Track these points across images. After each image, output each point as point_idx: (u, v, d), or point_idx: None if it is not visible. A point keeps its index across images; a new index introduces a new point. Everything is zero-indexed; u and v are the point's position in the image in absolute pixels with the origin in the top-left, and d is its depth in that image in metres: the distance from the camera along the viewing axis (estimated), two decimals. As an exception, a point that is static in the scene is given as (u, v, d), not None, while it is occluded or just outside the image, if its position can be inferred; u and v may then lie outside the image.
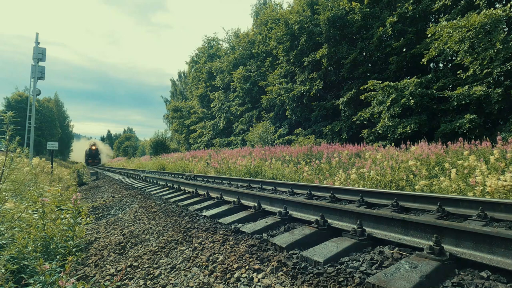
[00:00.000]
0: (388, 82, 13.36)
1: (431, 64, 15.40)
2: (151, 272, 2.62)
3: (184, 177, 11.19)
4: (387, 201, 3.84)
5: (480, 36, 10.50)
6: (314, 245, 2.30)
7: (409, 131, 12.24)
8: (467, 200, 3.23)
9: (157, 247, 3.15)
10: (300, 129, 19.61)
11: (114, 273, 2.79)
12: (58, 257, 3.02)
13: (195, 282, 2.20)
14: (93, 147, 53.79)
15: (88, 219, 4.40)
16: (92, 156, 52.83)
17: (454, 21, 11.23)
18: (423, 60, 12.75)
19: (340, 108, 17.31)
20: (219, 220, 3.53)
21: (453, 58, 13.28)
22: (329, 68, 18.55)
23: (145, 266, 2.77)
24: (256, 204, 3.75)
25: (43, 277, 2.12)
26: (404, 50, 15.30)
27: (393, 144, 11.13)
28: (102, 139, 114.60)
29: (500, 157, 5.56)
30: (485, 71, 10.53)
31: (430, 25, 13.21)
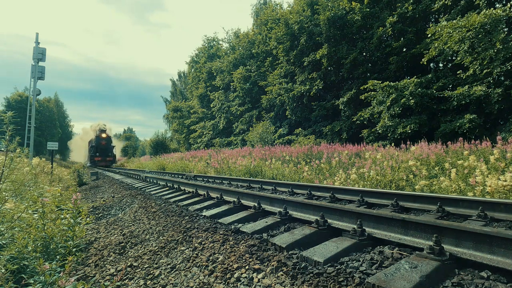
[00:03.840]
0: (388, 82, 13.37)
1: (431, 64, 15.41)
2: (151, 272, 2.62)
3: (184, 177, 11.19)
4: (387, 201, 3.84)
5: (480, 36, 10.50)
6: (314, 245, 2.30)
7: (409, 131, 12.24)
8: (467, 200, 3.23)
9: (157, 247, 3.15)
10: (300, 129, 19.62)
11: (114, 273, 2.79)
12: (58, 257, 3.02)
13: (195, 282, 2.20)
14: (103, 135, 32.59)
15: (88, 219, 4.40)
16: (102, 150, 31.89)
17: (454, 21, 11.23)
18: (423, 60, 12.75)
19: (340, 108, 17.31)
20: (219, 220, 3.53)
21: (453, 58, 13.29)
22: (329, 68, 18.55)
23: (145, 266, 2.77)
24: (256, 204, 3.75)
25: (43, 277, 2.12)
26: (404, 50, 15.31)
27: (393, 144, 11.13)
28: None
29: (500, 157, 5.56)
30: (485, 71, 10.53)
31: (430, 25, 13.22)
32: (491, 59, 10.37)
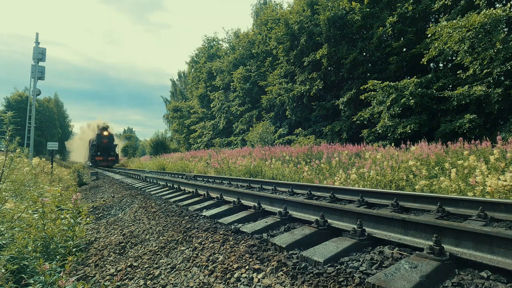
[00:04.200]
0: (388, 82, 13.37)
1: (431, 64, 15.41)
2: (151, 272, 2.62)
3: (184, 177, 11.19)
4: (387, 201, 3.84)
5: (480, 36, 10.50)
6: (314, 245, 2.30)
7: (409, 131, 12.24)
8: (467, 200, 3.23)
9: (157, 247, 3.15)
10: (300, 129, 19.62)
11: (114, 273, 2.79)
12: (58, 257, 3.02)
13: (195, 282, 2.20)
14: (105, 133, 30.59)
15: (88, 219, 4.40)
16: (104, 149, 29.99)
17: (454, 21, 11.23)
18: (423, 60, 12.75)
19: (340, 108, 17.31)
20: (219, 220, 3.53)
21: (453, 58, 13.29)
22: (329, 68, 18.56)
23: (145, 266, 2.77)
24: (256, 204, 3.75)
25: (43, 277, 2.12)
26: (404, 50, 15.31)
27: (393, 144, 11.13)
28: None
29: (500, 157, 5.56)
30: (485, 71, 10.53)
31: (430, 25, 13.22)
32: (491, 59, 10.37)
